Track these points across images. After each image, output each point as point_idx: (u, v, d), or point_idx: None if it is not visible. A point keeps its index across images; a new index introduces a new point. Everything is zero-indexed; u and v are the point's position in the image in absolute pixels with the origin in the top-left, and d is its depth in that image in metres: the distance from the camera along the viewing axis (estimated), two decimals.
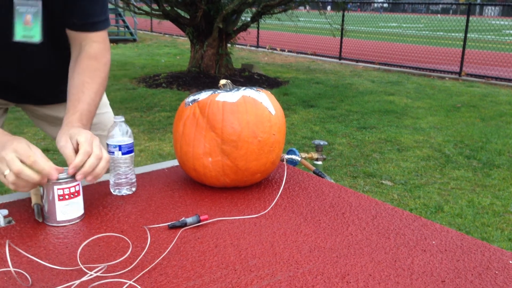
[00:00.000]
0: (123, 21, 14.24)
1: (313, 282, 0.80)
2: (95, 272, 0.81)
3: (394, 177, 3.71)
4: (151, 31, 17.75)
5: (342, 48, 10.94)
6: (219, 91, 1.18)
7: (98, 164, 0.99)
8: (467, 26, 8.93)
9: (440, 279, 0.81)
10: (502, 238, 2.77)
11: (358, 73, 9.17)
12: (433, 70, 9.22)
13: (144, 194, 1.16)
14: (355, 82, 8.03)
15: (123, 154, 1.11)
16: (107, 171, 1.19)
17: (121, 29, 14.91)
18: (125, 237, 0.94)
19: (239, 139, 1.11)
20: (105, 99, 1.56)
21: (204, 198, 1.14)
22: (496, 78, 8.47)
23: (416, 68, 9.46)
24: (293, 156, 1.43)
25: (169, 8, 7.48)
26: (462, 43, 9.06)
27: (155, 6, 7.73)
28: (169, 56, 11.06)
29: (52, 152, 3.95)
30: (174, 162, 1.40)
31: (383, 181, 3.62)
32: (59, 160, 3.62)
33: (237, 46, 12.30)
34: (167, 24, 10.47)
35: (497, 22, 28.61)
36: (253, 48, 13.31)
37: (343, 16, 10.75)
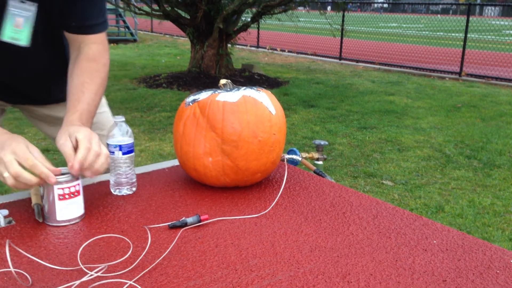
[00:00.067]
0: (124, 21, 14.25)
1: (314, 281, 0.79)
2: (96, 272, 0.80)
3: (395, 177, 3.71)
4: (152, 31, 17.76)
5: (342, 48, 10.94)
6: (219, 91, 1.18)
7: (96, 160, 0.99)
8: (467, 26, 8.93)
9: (441, 279, 0.81)
10: (503, 238, 2.77)
11: (358, 73, 9.17)
12: (433, 70, 9.22)
13: (144, 194, 1.16)
14: (355, 82, 8.03)
15: (123, 154, 1.11)
16: (108, 170, 1.19)
17: (122, 29, 14.91)
18: (125, 237, 0.94)
19: (239, 139, 1.11)
20: (102, 99, 1.56)
21: (204, 198, 1.14)
22: (496, 78, 8.47)
23: (416, 68, 9.45)
24: (294, 156, 1.43)
25: (170, 8, 7.48)
26: (462, 43, 9.06)
27: (155, 7, 7.73)
28: (170, 56, 11.07)
29: (52, 152, 3.95)
30: (175, 162, 1.40)
31: (384, 181, 3.61)
32: (60, 160, 3.62)
33: (237, 46, 12.31)
34: (168, 25, 10.47)
35: (497, 22, 28.61)
36: (253, 48, 13.32)
37: (343, 16, 10.75)
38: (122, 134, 1.11)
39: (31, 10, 1.12)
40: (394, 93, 7.08)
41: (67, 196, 0.97)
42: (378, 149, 4.40)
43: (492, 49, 11.74)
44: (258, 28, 13.08)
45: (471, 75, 8.75)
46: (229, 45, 7.88)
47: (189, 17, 7.50)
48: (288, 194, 1.18)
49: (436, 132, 5.00)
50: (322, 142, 1.55)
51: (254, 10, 7.99)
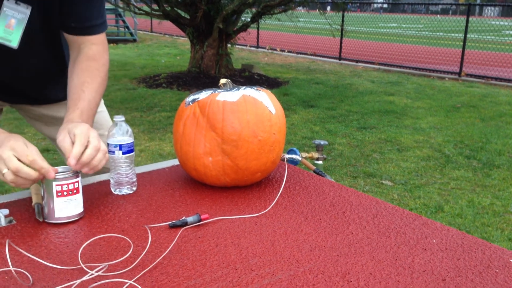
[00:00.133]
0: (123, 21, 14.25)
1: (313, 281, 0.80)
2: (96, 272, 0.81)
3: (394, 177, 3.71)
4: (151, 31, 17.76)
5: (342, 48, 10.94)
6: (219, 90, 1.18)
7: (95, 155, 0.99)
8: (466, 26, 8.93)
9: (440, 278, 0.81)
10: (502, 238, 2.77)
11: (358, 73, 9.17)
12: (433, 71, 9.23)
13: (144, 194, 1.16)
14: (355, 82, 8.04)
15: (123, 153, 1.11)
16: (108, 170, 1.20)
17: (121, 29, 14.91)
18: (125, 237, 0.94)
19: (239, 138, 1.11)
20: None
21: (204, 198, 1.14)
22: (496, 79, 8.47)
23: (416, 69, 9.46)
24: (294, 156, 1.43)
25: (169, 8, 7.48)
26: (461, 43, 9.06)
27: (155, 7, 7.73)
28: (169, 56, 11.07)
29: (52, 152, 3.95)
30: (175, 162, 1.40)
31: (383, 181, 3.62)
32: (60, 160, 3.62)
33: (237, 46, 12.31)
34: (167, 25, 10.47)
35: (497, 22, 28.62)
36: (253, 48, 13.32)
37: (343, 16, 10.75)
38: (122, 134, 1.11)
39: (25, 13, 1.12)
40: (393, 93, 7.09)
41: (65, 193, 0.98)
42: (378, 149, 4.40)
43: (492, 49, 11.75)
44: (258, 28, 13.08)
45: (471, 75, 8.75)
46: (229, 45, 7.88)
47: (189, 17, 7.50)
48: (288, 193, 1.18)
49: (436, 132, 5.00)
50: (322, 142, 1.56)
51: (254, 10, 7.99)
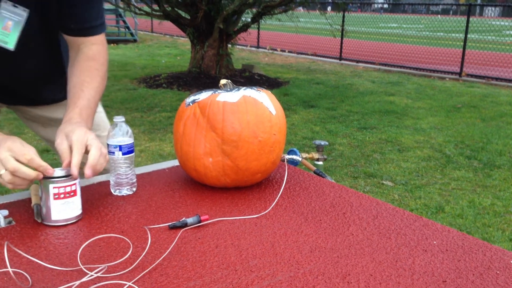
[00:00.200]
0: (124, 21, 14.25)
1: (314, 282, 0.79)
2: (96, 273, 0.80)
3: (395, 177, 3.71)
4: (152, 31, 17.76)
5: (343, 48, 10.94)
6: (219, 91, 1.18)
7: (99, 155, 1.00)
8: (467, 26, 8.93)
9: (441, 279, 0.81)
10: (503, 238, 2.77)
11: (358, 73, 9.17)
12: (434, 71, 9.22)
13: (144, 194, 1.16)
14: (355, 82, 8.03)
15: (123, 154, 1.11)
16: (107, 171, 1.19)
17: (122, 29, 14.92)
18: (125, 238, 0.94)
19: (239, 139, 1.11)
20: None
21: (204, 198, 1.14)
22: (497, 79, 8.47)
23: (416, 69, 9.45)
24: (294, 156, 1.43)
25: (170, 8, 7.48)
26: (462, 43, 9.06)
27: (155, 7, 7.73)
28: (170, 56, 11.07)
29: (52, 152, 3.95)
30: (175, 162, 1.40)
31: (384, 182, 3.61)
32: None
33: (237, 46, 12.31)
34: (168, 25, 10.47)
35: (497, 22, 28.61)
36: (253, 48, 13.32)
37: (343, 16, 10.75)
38: (122, 134, 1.11)
39: (22, 15, 1.12)
40: (394, 93, 7.08)
41: (62, 196, 0.97)
42: (378, 150, 4.40)
43: (492, 49, 11.74)
44: (258, 29, 13.09)
45: (471, 76, 8.75)
46: (229, 45, 7.88)
47: (189, 17, 7.50)
48: (288, 194, 1.18)
49: (436, 133, 5.00)
50: (322, 143, 1.55)
51: (254, 10, 7.99)
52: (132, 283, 0.78)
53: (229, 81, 1.21)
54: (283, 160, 1.39)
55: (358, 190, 3.42)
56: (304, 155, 1.48)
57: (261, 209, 1.08)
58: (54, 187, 0.96)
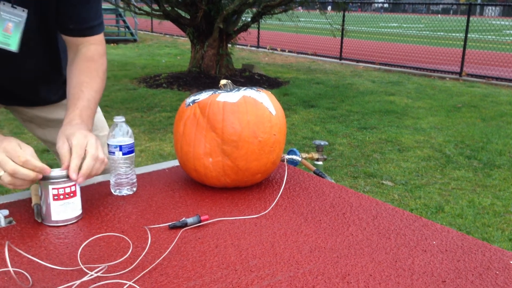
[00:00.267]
0: (124, 21, 14.25)
1: (313, 282, 0.80)
2: (96, 272, 0.81)
3: (395, 177, 3.71)
4: (152, 31, 17.76)
5: (343, 48, 10.94)
6: (219, 91, 1.18)
7: (94, 164, 0.99)
8: (467, 26, 8.93)
9: (440, 279, 0.81)
10: (503, 238, 2.77)
11: (358, 73, 9.17)
12: (434, 70, 9.22)
13: (144, 194, 1.16)
14: (355, 82, 8.03)
15: (123, 154, 1.11)
16: (107, 170, 1.20)
17: (122, 29, 14.92)
18: (125, 237, 0.94)
19: (239, 139, 1.11)
20: None
21: (204, 199, 1.14)
22: (497, 78, 8.47)
23: (416, 68, 9.45)
24: (294, 156, 1.43)
25: (170, 8, 7.48)
26: (462, 43, 9.06)
27: (155, 7, 7.73)
28: (170, 56, 11.07)
29: (52, 153, 3.95)
30: (175, 163, 1.40)
31: (384, 182, 3.61)
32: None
33: (237, 46, 12.31)
34: (168, 25, 10.47)
35: (498, 22, 28.60)
36: (253, 48, 13.32)
37: (343, 16, 10.75)
38: (123, 135, 1.11)
39: (22, 16, 1.12)
40: (394, 93, 7.09)
41: (61, 197, 0.97)
42: (378, 149, 4.40)
43: (493, 49, 11.74)
44: (258, 28, 13.08)
45: (472, 75, 8.75)
46: (229, 45, 7.88)
47: (189, 17, 7.50)
48: (288, 194, 1.18)
49: (436, 132, 5.00)
50: (322, 143, 1.56)
51: (254, 10, 7.99)
52: (132, 282, 0.78)
53: (229, 81, 1.21)
54: (283, 160, 1.40)
55: (358, 190, 3.42)
56: (304, 155, 1.48)
57: (261, 209, 1.09)
58: (53, 188, 0.97)
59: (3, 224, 0.98)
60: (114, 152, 1.11)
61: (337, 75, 8.77)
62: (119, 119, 1.13)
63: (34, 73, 1.29)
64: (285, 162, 1.39)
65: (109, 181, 1.19)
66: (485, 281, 0.81)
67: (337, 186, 1.24)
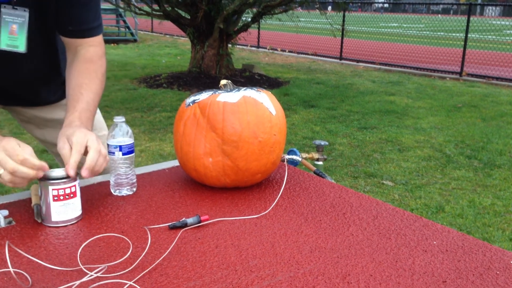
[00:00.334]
0: (124, 21, 14.25)
1: (314, 282, 0.79)
2: (96, 273, 0.81)
3: (395, 177, 3.71)
4: (152, 31, 17.76)
5: (343, 48, 10.94)
6: (219, 91, 1.18)
7: (98, 157, 1.00)
8: (467, 26, 8.92)
9: (441, 280, 0.81)
10: (503, 238, 2.77)
11: (358, 73, 9.17)
12: (434, 70, 9.22)
13: (144, 195, 1.16)
14: (355, 82, 8.03)
15: (123, 154, 1.11)
16: (107, 170, 1.20)
17: (122, 29, 14.92)
18: (125, 238, 0.94)
19: (239, 139, 1.11)
20: None
21: (204, 199, 1.14)
22: (497, 78, 8.46)
23: (417, 68, 9.45)
24: (294, 156, 1.43)
25: (170, 8, 7.48)
26: (463, 43, 9.05)
27: (155, 7, 7.73)
28: (170, 56, 11.07)
29: (50, 153, 3.95)
30: (175, 163, 1.40)
31: (384, 181, 3.61)
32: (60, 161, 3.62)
33: (237, 46, 12.31)
34: (168, 25, 10.47)
35: (498, 22, 28.59)
36: (253, 48, 13.32)
37: (343, 16, 10.75)
38: (122, 135, 1.11)
39: (24, 16, 1.12)
40: (394, 93, 7.08)
41: (61, 197, 0.97)
42: (379, 149, 4.40)
43: (493, 49, 11.73)
44: (258, 28, 13.08)
45: (472, 75, 8.75)
46: (229, 45, 7.88)
47: (189, 17, 7.50)
48: (288, 194, 1.18)
49: (437, 132, 5.00)
50: (322, 143, 1.55)
51: (254, 10, 7.99)
52: (132, 282, 0.78)
53: (229, 81, 1.21)
54: (283, 160, 1.39)
55: (358, 190, 3.42)
56: (304, 155, 1.48)
57: (261, 209, 1.08)
58: (53, 189, 0.96)
59: (3, 224, 0.98)
60: (114, 152, 1.11)
61: (337, 75, 8.77)
62: (119, 119, 1.12)
63: (34, 74, 1.29)
64: (285, 162, 1.39)
65: (109, 181, 1.18)
66: (486, 281, 0.81)
67: (337, 186, 1.24)
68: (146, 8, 8.35)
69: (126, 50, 12.07)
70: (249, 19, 7.96)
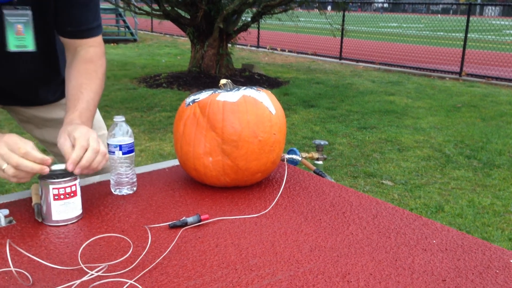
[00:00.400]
0: (124, 21, 14.24)
1: (313, 281, 0.80)
2: (96, 272, 0.81)
3: (395, 177, 3.71)
4: (152, 31, 17.75)
5: (343, 48, 10.94)
6: (219, 90, 1.18)
7: (95, 158, 0.99)
8: (467, 26, 8.93)
9: (440, 278, 0.81)
10: (503, 238, 2.77)
11: (358, 73, 9.17)
12: (434, 70, 9.22)
13: (144, 194, 1.16)
14: (355, 82, 8.03)
15: (123, 154, 1.11)
16: (107, 169, 1.20)
17: (122, 29, 14.91)
18: (125, 237, 0.94)
19: (239, 138, 1.11)
20: None
21: (204, 198, 1.14)
22: (497, 78, 8.47)
23: (416, 68, 9.45)
24: (294, 156, 1.43)
25: (170, 8, 7.48)
26: (462, 43, 9.05)
27: (155, 6, 7.73)
28: (170, 56, 11.07)
29: (50, 153, 3.95)
30: (175, 162, 1.40)
31: (384, 181, 3.62)
32: (60, 160, 3.62)
33: (237, 46, 12.31)
34: (168, 24, 10.47)
35: (498, 22, 28.60)
36: (253, 48, 13.32)
37: (343, 16, 10.75)
38: (122, 134, 1.12)
39: (27, 14, 1.12)
40: (394, 93, 7.09)
41: (62, 197, 0.98)
42: (378, 149, 4.40)
43: (493, 49, 11.73)
44: (258, 28, 13.08)
45: (472, 75, 8.75)
46: (229, 45, 7.88)
47: (189, 17, 7.50)
48: (288, 194, 1.18)
49: (436, 132, 5.00)
50: (322, 142, 1.56)
51: (254, 10, 7.99)
52: (132, 281, 0.78)
53: (229, 80, 1.21)
54: (283, 160, 1.40)
55: (357, 189, 3.42)
56: (304, 154, 1.48)
57: (261, 209, 1.09)
58: (54, 188, 0.97)
59: (3, 223, 0.98)
60: (114, 152, 1.11)
61: (337, 75, 8.77)
62: (119, 118, 1.13)
63: (33, 73, 1.29)
64: (285, 162, 1.40)
65: (109, 180, 1.19)
66: (485, 280, 0.81)
67: (337, 186, 1.24)
68: (146, 7, 8.35)
69: (126, 50, 12.07)
70: (249, 19, 7.96)
